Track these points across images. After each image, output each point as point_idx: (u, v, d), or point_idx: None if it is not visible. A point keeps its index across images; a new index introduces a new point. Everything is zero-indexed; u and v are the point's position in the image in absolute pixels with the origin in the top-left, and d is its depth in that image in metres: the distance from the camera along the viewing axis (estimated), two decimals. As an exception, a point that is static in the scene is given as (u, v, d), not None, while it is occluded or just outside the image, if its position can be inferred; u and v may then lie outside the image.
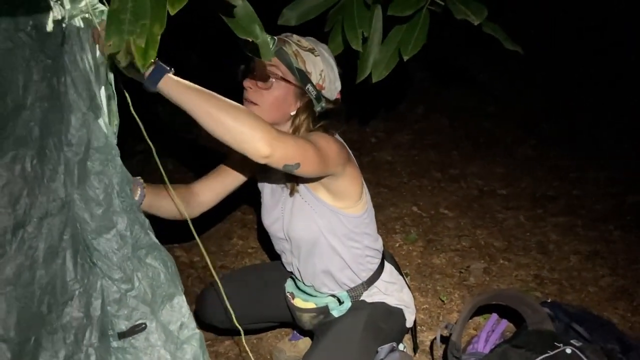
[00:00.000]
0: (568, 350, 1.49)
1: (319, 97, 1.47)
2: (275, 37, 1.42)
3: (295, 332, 2.05)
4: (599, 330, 1.63)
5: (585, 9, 4.35)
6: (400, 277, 1.77)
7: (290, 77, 1.44)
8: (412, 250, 2.66)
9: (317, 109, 1.49)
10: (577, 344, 1.51)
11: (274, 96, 1.44)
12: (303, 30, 1.49)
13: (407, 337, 1.95)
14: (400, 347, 1.65)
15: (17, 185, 0.89)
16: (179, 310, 1.17)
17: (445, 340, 1.77)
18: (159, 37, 0.86)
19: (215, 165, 1.75)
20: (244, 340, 1.43)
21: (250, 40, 1.02)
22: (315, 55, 1.44)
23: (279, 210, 1.64)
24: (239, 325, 1.69)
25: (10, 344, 0.88)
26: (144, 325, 1.10)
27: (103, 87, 1.08)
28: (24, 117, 0.90)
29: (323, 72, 1.45)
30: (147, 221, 1.16)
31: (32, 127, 0.91)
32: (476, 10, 1.15)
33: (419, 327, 2.09)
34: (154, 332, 1.12)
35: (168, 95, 1.12)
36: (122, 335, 1.09)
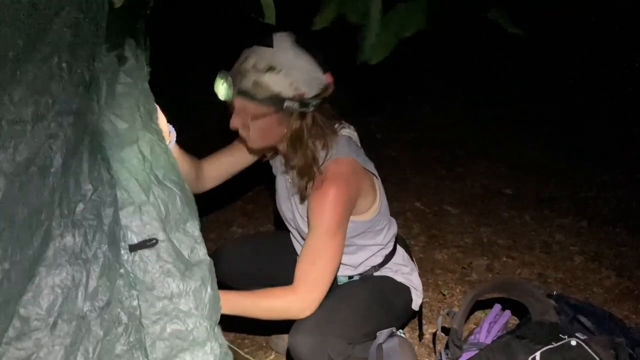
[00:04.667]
0: (573, 342, 1.44)
1: (304, 103, 1.37)
2: (227, 76, 1.36)
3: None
4: (605, 324, 1.58)
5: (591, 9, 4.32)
6: (411, 261, 1.75)
7: (263, 109, 1.36)
8: (414, 245, 2.61)
9: (310, 109, 1.39)
10: (582, 337, 1.46)
11: (257, 130, 1.42)
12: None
13: (410, 328, 1.91)
14: (400, 333, 1.61)
15: (43, 80, 0.93)
16: (192, 234, 1.16)
17: (446, 331, 1.73)
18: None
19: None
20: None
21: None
22: (277, 73, 1.32)
23: (290, 205, 1.62)
24: (248, 287, 1.69)
25: (17, 223, 0.90)
26: (154, 241, 1.09)
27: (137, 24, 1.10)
28: (60, 22, 0.94)
29: (293, 82, 1.34)
30: (168, 147, 1.18)
31: (65, 32, 0.95)
32: None
33: (418, 320, 2.04)
34: (165, 250, 1.11)
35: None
36: (132, 248, 1.08)
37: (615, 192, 3.10)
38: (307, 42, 1.36)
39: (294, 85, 1.34)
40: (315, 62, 1.36)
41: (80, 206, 1.00)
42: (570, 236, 2.68)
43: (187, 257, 1.15)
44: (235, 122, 1.44)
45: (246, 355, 1.86)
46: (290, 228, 1.70)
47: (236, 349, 1.75)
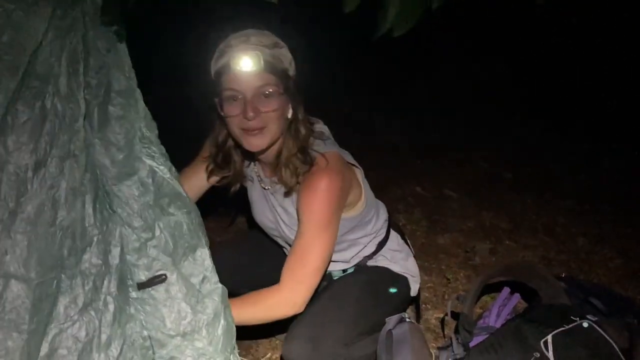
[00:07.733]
0: (585, 324, 1.42)
1: (296, 85, 1.33)
2: (253, 49, 1.23)
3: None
4: (616, 305, 1.57)
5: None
6: (406, 245, 1.70)
7: (280, 87, 1.29)
8: (416, 229, 2.59)
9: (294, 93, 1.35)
10: (593, 318, 1.45)
11: (277, 111, 1.29)
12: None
13: (410, 309, 1.88)
14: (407, 317, 1.58)
15: (38, 122, 0.86)
16: (202, 263, 1.10)
17: (455, 316, 1.71)
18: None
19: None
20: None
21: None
22: (281, 48, 1.29)
23: (271, 214, 1.54)
24: (241, 290, 1.65)
25: (30, 285, 0.86)
26: (164, 276, 1.04)
27: (122, 36, 1.02)
28: (45, 53, 0.88)
29: (291, 61, 1.32)
30: (172, 168, 1.09)
31: (52, 64, 0.88)
32: None
33: (423, 306, 2.02)
34: (175, 284, 1.05)
35: None
36: (141, 286, 1.03)
37: (617, 173, 3.09)
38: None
39: (292, 64, 1.31)
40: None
41: (88, 253, 0.95)
42: (572, 218, 2.68)
43: (198, 288, 1.09)
44: (251, 110, 1.26)
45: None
46: (274, 237, 1.63)
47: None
